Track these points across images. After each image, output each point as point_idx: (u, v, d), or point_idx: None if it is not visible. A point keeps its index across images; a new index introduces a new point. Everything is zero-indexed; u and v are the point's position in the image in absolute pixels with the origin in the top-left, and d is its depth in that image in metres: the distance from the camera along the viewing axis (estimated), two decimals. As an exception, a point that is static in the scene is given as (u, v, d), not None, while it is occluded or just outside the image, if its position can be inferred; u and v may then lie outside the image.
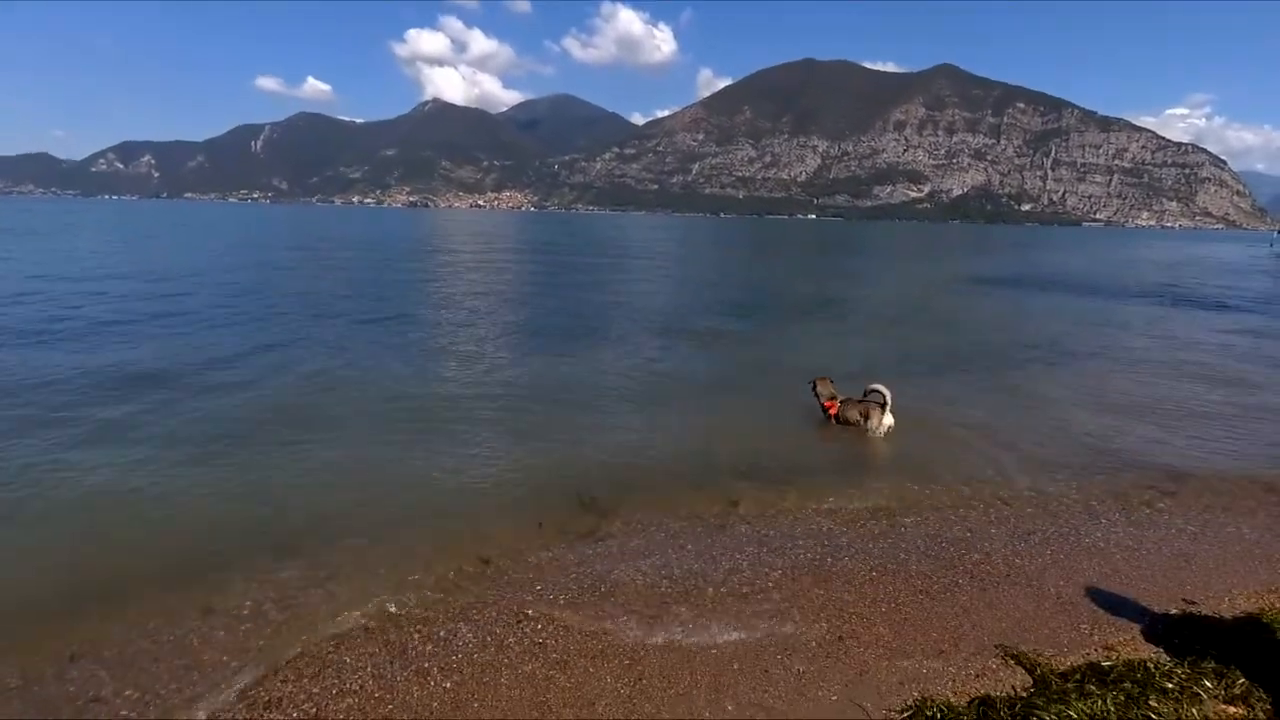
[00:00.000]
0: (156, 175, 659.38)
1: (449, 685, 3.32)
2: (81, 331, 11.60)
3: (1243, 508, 5.62)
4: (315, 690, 3.26)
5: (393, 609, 3.96)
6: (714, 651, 3.58)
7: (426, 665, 3.46)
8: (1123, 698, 3.01)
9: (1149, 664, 3.30)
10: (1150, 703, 2.92)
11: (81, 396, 7.89)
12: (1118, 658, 3.44)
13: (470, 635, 3.72)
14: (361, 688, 3.28)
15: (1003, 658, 3.54)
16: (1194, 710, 2.93)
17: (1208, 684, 3.11)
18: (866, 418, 7.27)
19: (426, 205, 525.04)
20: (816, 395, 7.72)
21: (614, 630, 3.77)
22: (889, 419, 7.19)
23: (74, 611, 3.90)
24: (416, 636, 3.70)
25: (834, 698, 3.24)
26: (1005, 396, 9.19)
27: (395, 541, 4.75)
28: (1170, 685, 3.10)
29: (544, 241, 48.25)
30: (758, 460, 6.45)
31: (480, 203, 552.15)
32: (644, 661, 3.49)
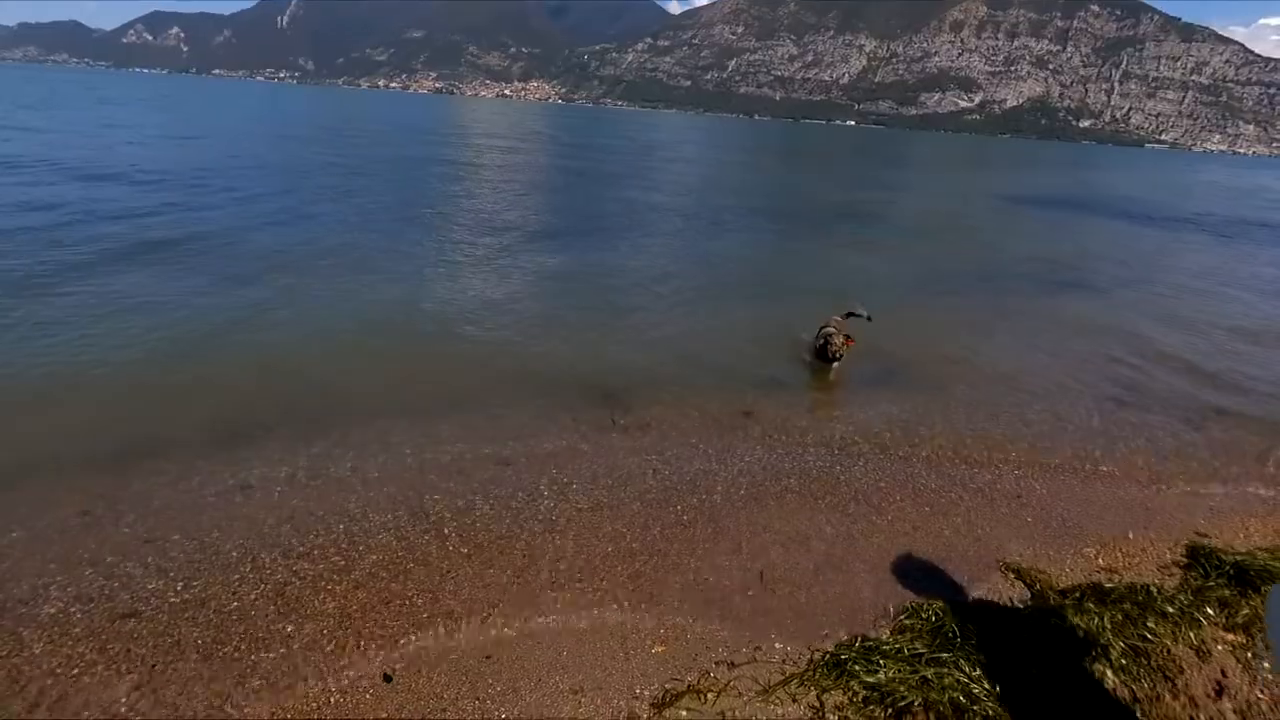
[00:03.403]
0: (185, 50, 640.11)
1: (466, 550, 3.55)
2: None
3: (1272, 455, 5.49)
4: (345, 544, 3.54)
5: (415, 481, 4.15)
6: (732, 531, 3.70)
7: (447, 531, 3.70)
8: (1120, 617, 3.07)
9: (1151, 588, 3.35)
10: (1148, 624, 2.98)
11: (136, 261, 8.02)
12: (1120, 580, 3.49)
13: (486, 507, 3.93)
14: (385, 545, 3.56)
15: (1003, 572, 3.61)
16: (1191, 634, 2.99)
17: (1209, 611, 3.16)
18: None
19: (453, 92, 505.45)
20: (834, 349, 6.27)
21: (622, 510, 3.90)
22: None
23: (120, 465, 4.14)
24: (438, 505, 3.91)
25: (832, 591, 3.36)
26: (1029, 321, 8.94)
27: (420, 425, 4.89)
28: (1170, 609, 3.15)
29: (576, 141, 46.52)
30: (775, 367, 6.43)
31: (507, 92, 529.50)
32: (647, 535, 3.63)
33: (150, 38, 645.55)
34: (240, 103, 65.10)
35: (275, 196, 13.82)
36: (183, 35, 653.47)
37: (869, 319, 6.88)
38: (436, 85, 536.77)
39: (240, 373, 5.61)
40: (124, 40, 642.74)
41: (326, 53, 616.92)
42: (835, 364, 6.25)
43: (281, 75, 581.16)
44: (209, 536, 3.55)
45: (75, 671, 2.70)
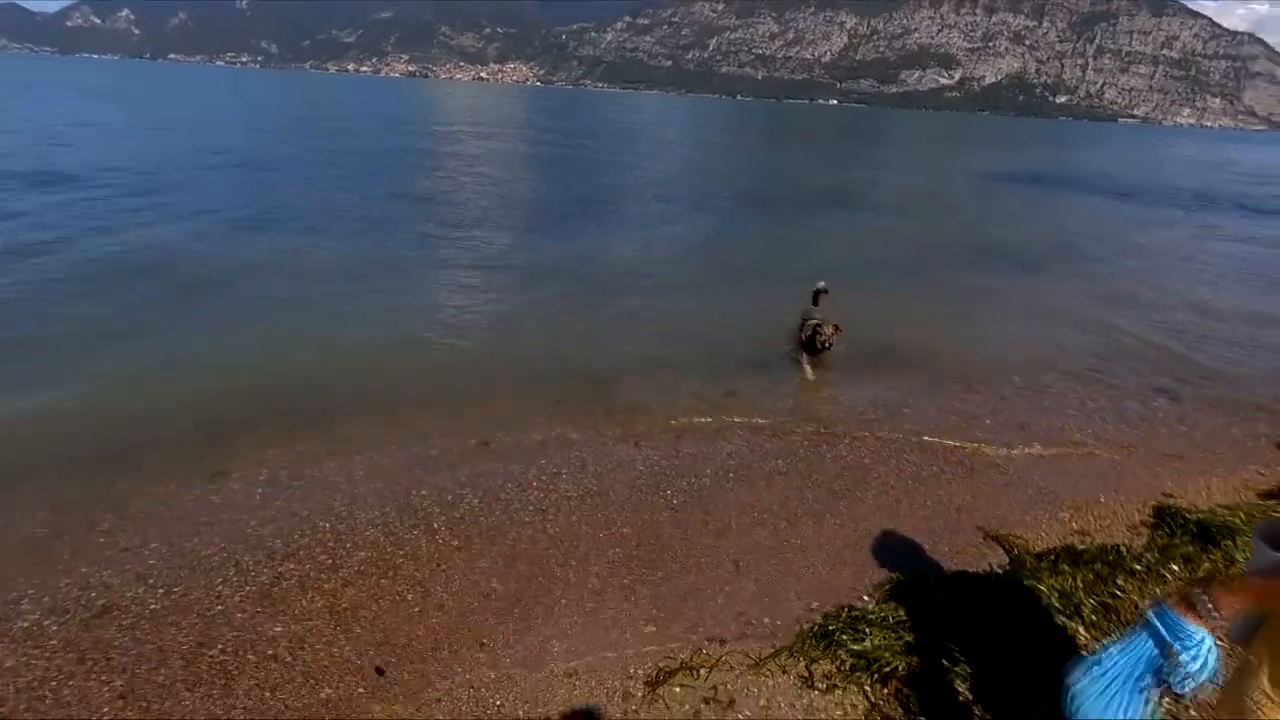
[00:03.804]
0: (137, 33, 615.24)
1: (456, 543, 3.56)
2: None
3: (1243, 410, 5.66)
4: (331, 543, 3.52)
5: (402, 477, 4.14)
6: (721, 512, 3.77)
7: (435, 525, 3.69)
8: (1092, 576, 3.19)
9: (1121, 547, 3.48)
10: (1118, 581, 3.10)
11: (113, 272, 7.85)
12: (1092, 542, 3.62)
13: (475, 500, 3.94)
14: (374, 541, 3.56)
15: (983, 538, 3.72)
16: (1158, 589, 3.12)
17: (1174, 567, 3.31)
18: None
19: (426, 75, 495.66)
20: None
21: (612, 496, 3.95)
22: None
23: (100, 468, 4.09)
24: (426, 500, 3.91)
25: (820, 565, 3.44)
26: (1008, 299, 9.09)
27: (405, 419, 4.87)
28: (1138, 567, 3.29)
29: (556, 126, 46.04)
30: (760, 350, 6.48)
31: (483, 75, 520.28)
32: (637, 520, 3.68)
33: (98, 20, 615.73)
34: (197, 91, 63.06)
35: (244, 193, 13.58)
36: (133, 18, 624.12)
37: (826, 290, 6.63)
38: (409, 69, 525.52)
39: (217, 374, 5.52)
40: (68, 24, 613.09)
41: (291, 35, 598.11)
42: (824, 354, 6.01)
43: (244, 60, 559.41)
44: (189, 542, 3.49)
45: (54, 683, 2.66)
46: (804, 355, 6.10)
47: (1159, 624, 1.43)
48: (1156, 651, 1.43)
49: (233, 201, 12.07)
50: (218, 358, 5.80)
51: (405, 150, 23.38)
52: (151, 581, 3.21)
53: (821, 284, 6.62)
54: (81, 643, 2.84)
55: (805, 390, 5.76)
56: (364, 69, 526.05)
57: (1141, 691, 1.44)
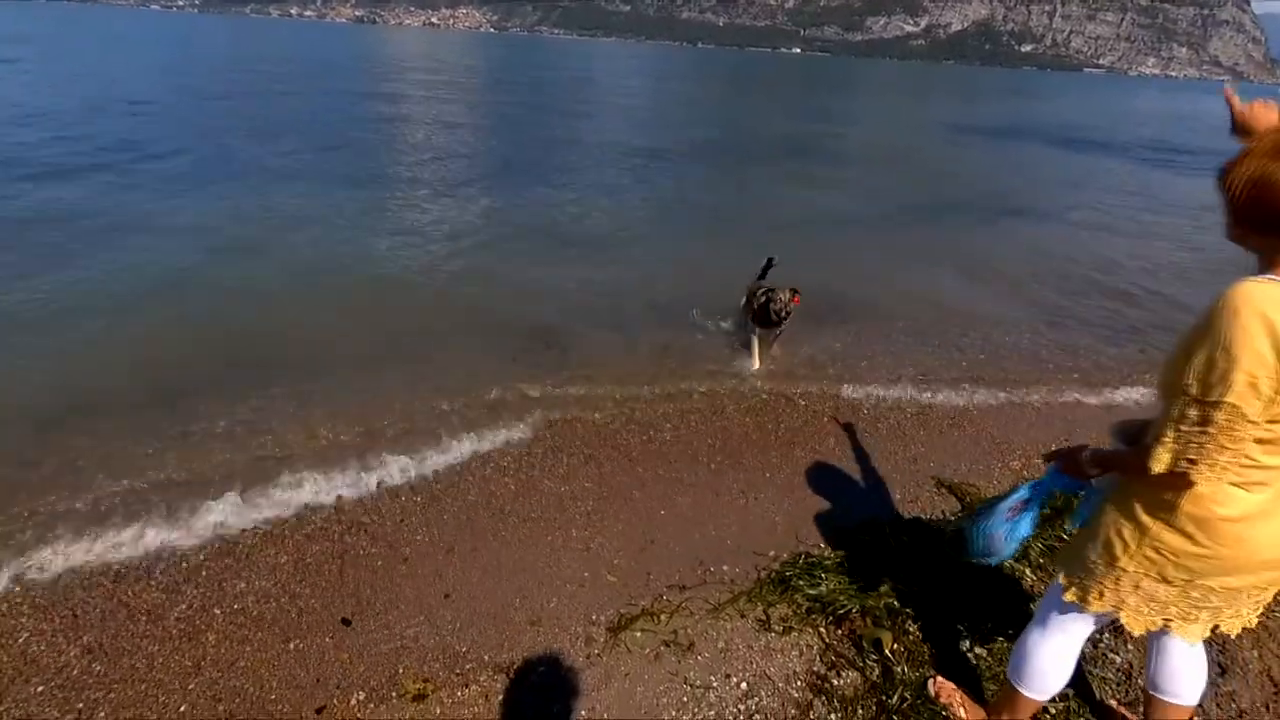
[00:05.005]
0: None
1: (419, 499, 3.57)
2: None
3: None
4: (294, 500, 3.52)
5: (361, 433, 4.11)
6: (682, 465, 3.82)
7: (397, 480, 3.71)
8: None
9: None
10: (1064, 525, 3.24)
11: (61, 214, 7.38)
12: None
13: (435, 454, 3.95)
14: (335, 498, 3.56)
15: (937, 487, 3.85)
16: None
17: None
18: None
19: (375, 21, 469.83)
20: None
21: (571, 450, 3.96)
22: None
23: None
24: (386, 456, 3.90)
25: (777, 516, 3.53)
26: (968, 251, 9.23)
27: (363, 375, 4.79)
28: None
29: (513, 77, 44.44)
30: (718, 304, 6.46)
31: (434, 20, 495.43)
32: (599, 472, 3.72)
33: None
34: (122, 37, 58.96)
35: (183, 148, 12.84)
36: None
37: (775, 262, 5.93)
38: (356, 14, 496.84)
39: (168, 329, 5.33)
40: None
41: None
42: (781, 327, 5.20)
43: (179, 4, 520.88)
44: (147, 501, 3.44)
45: (22, 639, 2.66)
46: (755, 332, 5.29)
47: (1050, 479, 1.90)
48: (1027, 495, 1.94)
49: (152, 150, 11.40)
50: (168, 311, 5.60)
51: (348, 102, 22.31)
52: (106, 540, 3.17)
53: (772, 257, 5.88)
54: (41, 600, 2.84)
55: (762, 343, 5.78)
56: (308, 13, 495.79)
57: (1014, 513, 1.95)
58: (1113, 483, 1.75)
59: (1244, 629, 1.69)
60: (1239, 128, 1.80)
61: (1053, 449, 1.94)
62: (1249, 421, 1.32)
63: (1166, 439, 1.41)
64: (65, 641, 2.66)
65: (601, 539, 3.32)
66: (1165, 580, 1.60)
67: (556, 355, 5.28)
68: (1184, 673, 1.91)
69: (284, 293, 6.24)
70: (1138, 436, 1.71)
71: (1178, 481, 1.45)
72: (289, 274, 6.69)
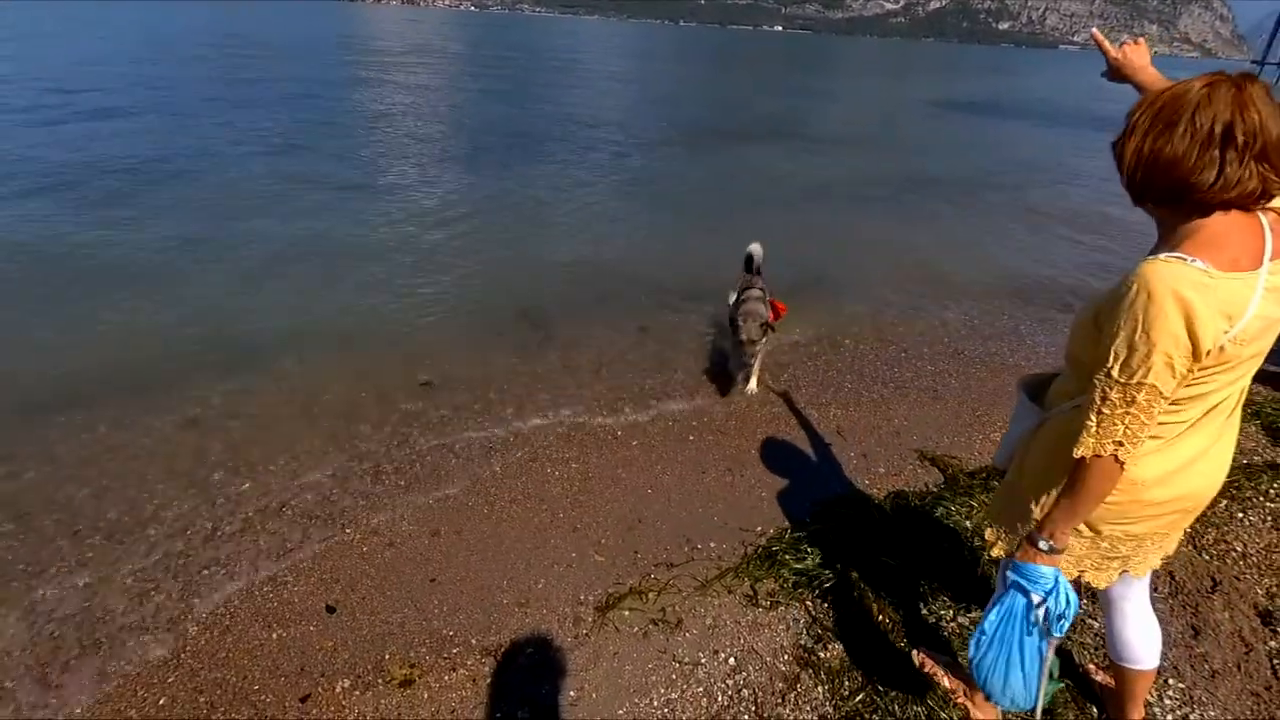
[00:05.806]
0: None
1: (402, 483, 3.54)
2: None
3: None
4: (271, 484, 3.49)
5: (345, 418, 4.05)
6: (666, 446, 3.81)
7: (381, 465, 3.66)
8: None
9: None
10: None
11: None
12: (1020, 459, 3.81)
13: (418, 435, 3.92)
14: (316, 483, 3.52)
15: (920, 460, 3.88)
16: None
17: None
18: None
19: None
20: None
21: (557, 430, 3.95)
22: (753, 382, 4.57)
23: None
24: (368, 437, 3.87)
25: (763, 491, 3.54)
26: (950, 225, 9.26)
27: (343, 355, 4.73)
28: (1061, 480, 3.49)
29: (494, 55, 43.64)
30: (703, 282, 6.43)
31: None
32: (583, 454, 3.70)
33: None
34: (77, 18, 56.99)
35: (159, 130, 12.47)
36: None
37: (757, 260, 5.22)
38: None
39: (146, 316, 5.21)
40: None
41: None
42: (753, 359, 4.40)
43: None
44: (130, 488, 3.39)
45: None
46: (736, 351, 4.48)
47: (1017, 578, 1.55)
48: (1025, 601, 1.55)
49: (142, 141, 11.05)
50: (145, 296, 5.48)
51: (325, 82, 21.76)
52: (81, 530, 3.12)
53: (755, 247, 5.15)
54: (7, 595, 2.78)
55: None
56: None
57: (1029, 643, 1.57)
58: (1026, 414, 1.77)
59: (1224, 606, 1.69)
60: (1114, 72, 1.99)
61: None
62: (1165, 399, 1.37)
63: (1091, 424, 1.42)
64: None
65: (588, 519, 3.31)
66: (1076, 533, 1.64)
67: (541, 335, 5.23)
68: (1137, 640, 1.97)
69: (264, 274, 6.10)
70: (1041, 390, 1.79)
71: (1105, 464, 1.43)
72: (271, 255, 6.53)
